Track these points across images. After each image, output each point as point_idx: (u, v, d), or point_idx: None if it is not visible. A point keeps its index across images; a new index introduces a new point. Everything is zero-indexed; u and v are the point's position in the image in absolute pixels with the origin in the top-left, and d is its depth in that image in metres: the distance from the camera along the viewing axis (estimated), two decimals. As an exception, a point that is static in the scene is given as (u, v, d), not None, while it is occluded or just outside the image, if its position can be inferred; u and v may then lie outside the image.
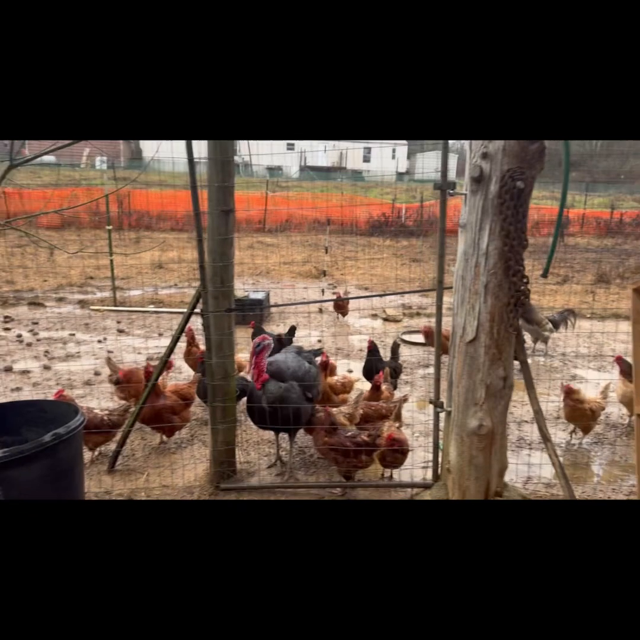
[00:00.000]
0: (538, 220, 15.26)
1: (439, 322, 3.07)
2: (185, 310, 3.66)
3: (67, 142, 4.43)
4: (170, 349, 3.66)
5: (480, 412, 2.91)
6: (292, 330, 5.70)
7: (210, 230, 3.27)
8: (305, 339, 6.46)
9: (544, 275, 3.09)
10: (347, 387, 4.45)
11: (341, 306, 7.74)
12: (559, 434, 4.42)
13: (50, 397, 4.14)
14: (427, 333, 5.59)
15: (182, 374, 5.42)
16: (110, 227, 8.60)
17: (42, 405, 3.14)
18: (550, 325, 5.99)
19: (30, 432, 3.09)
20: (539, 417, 3.00)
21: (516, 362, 2.95)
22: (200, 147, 3.10)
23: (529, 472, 3.82)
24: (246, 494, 3.47)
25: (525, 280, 2.74)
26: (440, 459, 3.31)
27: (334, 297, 8.05)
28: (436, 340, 3.08)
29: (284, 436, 3.89)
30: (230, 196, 3.23)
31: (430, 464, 3.45)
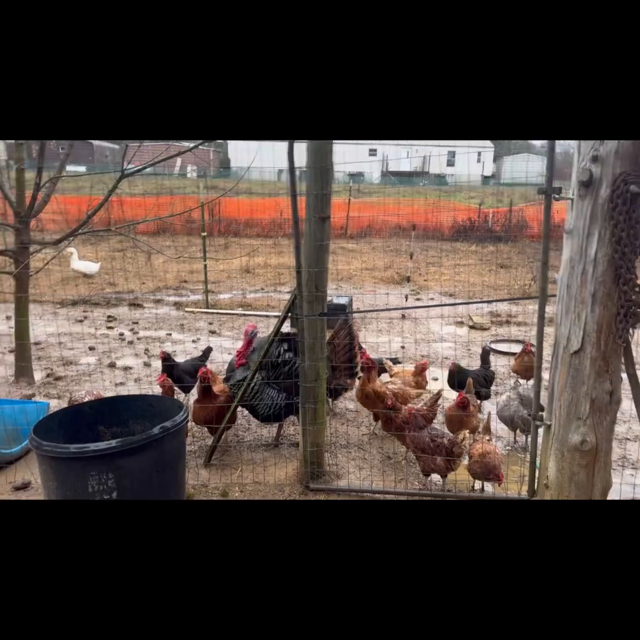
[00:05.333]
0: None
1: (540, 331, 2.96)
2: (271, 313, 3.77)
3: (172, 153, 4.74)
4: (265, 351, 3.80)
5: (583, 427, 2.78)
6: (207, 351, 5.14)
7: (307, 236, 3.36)
8: (387, 345, 6.44)
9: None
10: (399, 398, 4.13)
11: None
12: (667, 455, 4.10)
13: (151, 392, 4.42)
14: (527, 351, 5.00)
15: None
16: (205, 234, 9.05)
17: (150, 400, 3.36)
18: None
19: (137, 424, 3.31)
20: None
21: (624, 376, 2.79)
22: (301, 157, 3.20)
23: (633, 493, 3.57)
24: (335, 496, 3.52)
25: (637, 289, 2.59)
26: (537, 474, 3.18)
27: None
28: (537, 351, 2.98)
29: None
30: (327, 203, 3.31)
31: (525, 478, 3.33)
